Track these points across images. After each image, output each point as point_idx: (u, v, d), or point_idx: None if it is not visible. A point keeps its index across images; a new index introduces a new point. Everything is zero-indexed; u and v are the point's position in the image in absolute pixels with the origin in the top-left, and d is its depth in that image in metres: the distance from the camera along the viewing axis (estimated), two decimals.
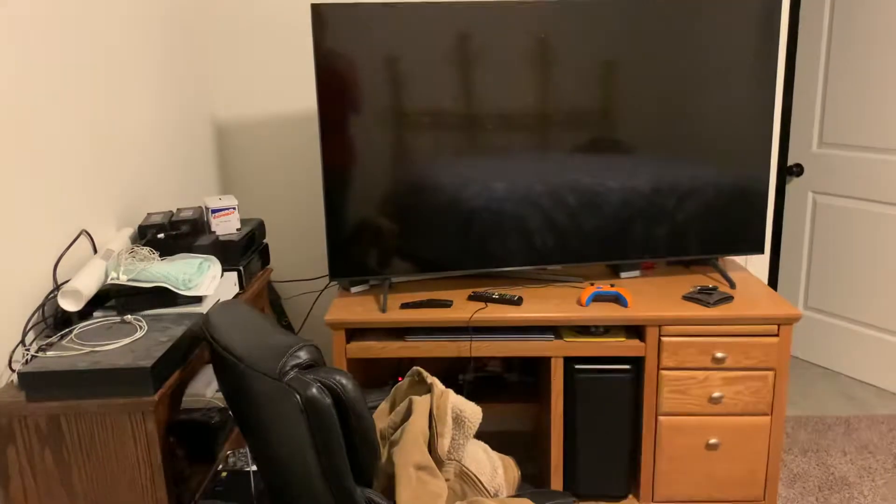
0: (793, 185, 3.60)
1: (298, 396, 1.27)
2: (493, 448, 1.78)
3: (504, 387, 2.81)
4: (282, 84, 2.81)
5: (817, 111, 3.45)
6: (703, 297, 2.31)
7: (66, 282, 1.74)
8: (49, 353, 1.56)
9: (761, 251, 2.52)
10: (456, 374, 2.85)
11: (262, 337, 1.43)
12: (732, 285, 2.44)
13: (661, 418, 2.31)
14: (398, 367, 2.83)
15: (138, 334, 1.65)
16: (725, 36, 2.36)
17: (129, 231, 2.07)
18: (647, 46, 2.34)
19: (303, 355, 1.32)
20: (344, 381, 1.30)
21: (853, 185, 3.33)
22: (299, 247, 2.97)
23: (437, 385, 1.61)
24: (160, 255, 1.95)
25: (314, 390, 1.27)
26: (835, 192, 3.42)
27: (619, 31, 2.32)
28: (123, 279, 1.77)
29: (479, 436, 2.97)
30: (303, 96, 2.82)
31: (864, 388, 3.37)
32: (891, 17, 3.08)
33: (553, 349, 2.29)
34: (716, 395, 2.28)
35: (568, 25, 2.30)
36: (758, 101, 2.42)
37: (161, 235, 2.01)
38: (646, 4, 2.31)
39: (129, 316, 1.76)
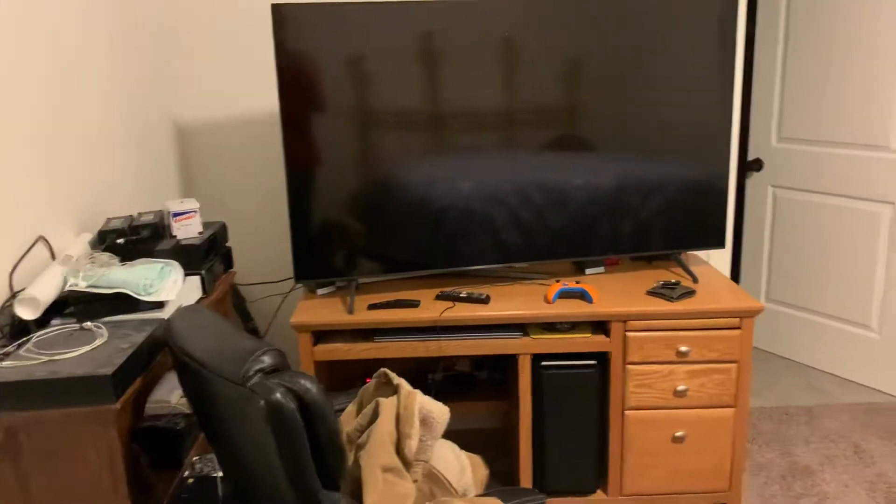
0: (753, 180, 3.67)
1: (262, 401, 1.26)
2: (463, 447, 1.78)
3: (473, 385, 2.82)
4: (243, 84, 2.78)
5: (775, 107, 3.51)
6: (666, 291, 2.34)
7: (23, 289, 1.71)
8: (5, 364, 1.53)
9: (722, 245, 2.56)
10: (425, 373, 2.85)
11: (225, 342, 1.41)
12: (695, 280, 2.48)
13: (627, 412, 2.34)
14: (366, 369, 2.82)
15: (98, 342, 1.62)
16: (686, 35, 2.39)
17: (89, 236, 2.03)
18: (610, 45, 2.36)
19: (267, 360, 1.31)
20: (308, 384, 1.29)
21: (811, 178, 3.40)
22: (265, 249, 2.94)
23: (404, 386, 1.60)
24: (120, 261, 1.92)
25: (278, 395, 1.26)
26: (794, 186, 3.48)
27: (582, 31, 2.34)
28: (83, 285, 1.74)
29: (448, 435, 2.98)
30: (265, 96, 2.79)
31: (825, 378, 3.44)
32: (845, 15, 3.15)
33: (520, 346, 2.30)
34: (681, 388, 2.31)
35: (532, 25, 2.31)
36: (717, 99, 2.45)
37: (121, 240, 1.98)
38: (608, 4, 2.33)
39: (88, 323, 1.73)
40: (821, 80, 3.29)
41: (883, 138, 3.10)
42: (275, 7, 2.18)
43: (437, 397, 2.72)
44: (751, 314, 2.27)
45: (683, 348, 2.28)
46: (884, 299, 3.21)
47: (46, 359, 1.54)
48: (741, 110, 3.88)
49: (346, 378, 2.81)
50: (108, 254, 1.87)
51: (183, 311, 1.60)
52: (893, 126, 3.06)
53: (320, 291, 2.48)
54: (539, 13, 2.31)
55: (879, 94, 3.08)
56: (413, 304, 2.34)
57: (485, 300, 2.35)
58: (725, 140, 2.49)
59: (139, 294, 1.75)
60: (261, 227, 2.92)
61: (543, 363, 2.34)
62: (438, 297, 2.39)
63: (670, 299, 2.31)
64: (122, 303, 1.76)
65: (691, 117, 2.45)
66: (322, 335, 2.36)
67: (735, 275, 4.00)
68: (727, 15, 2.39)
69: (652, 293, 2.37)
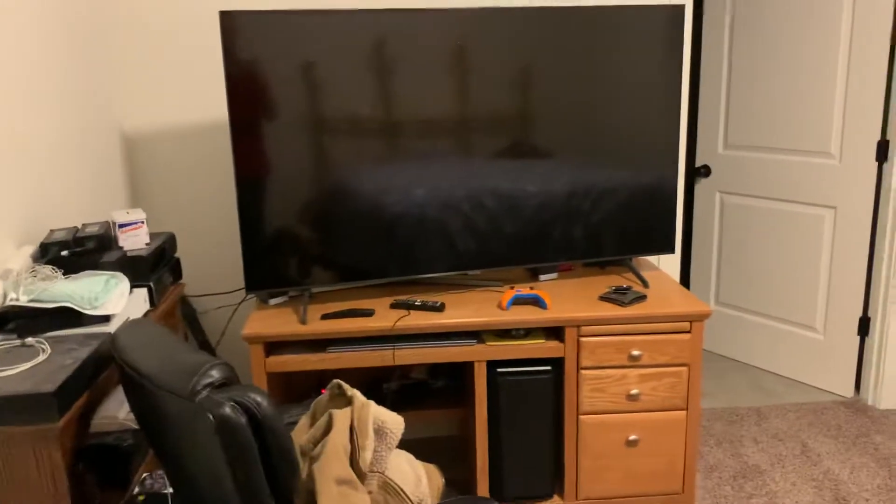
0: (701, 186, 3.74)
1: (211, 416, 1.24)
2: (420, 456, 1.77)
3: (429, 393, 2.81)
4: (192, 93, 2.73)
5: (722, 114, 3.59)
6: (618, 296, 2.37)
7: None
8: None
9: (672, 250, 2.61)
10: (380, 382, 2.84)
11: (173, 356, 1.38)
12: (646, 285, 2.52)
13: (582, 417, 2.36)
14: (321, 380, 2.79)
15: (40, 358, 1.57)
16: (634, 45, 2.43)
17: (31, 249, 1.97)
18: (561, 55, 2.39)
19: (215, 374, 1.29)
20: (258, 398, 1.27)
21: (757, 184, 3.49)
22: (215, 259, 2.89)
23: (358, 397, 1.59)
24: (64, 274, 1.87)
25: (227, 409, 1.24)
26: (740, 192, 3.57)
27: (533, 40, 2.36)
28: (23, 300, 1.69)
29: (406, 443, 2.96)
30: (213, 105, 2.75)
31: (773, 379, 3.52)
32: (787, 27, 3.25)
33: (475, 353, 2.31)
34: (633, 392, 2.34)
35: (484, 34, 2.32)
36: (665, 107, 2.50)
37: (65, 252, 1.92)
38: (558, 14, 2.36)
39: (30, 339, 1.67)
40: (764, 89, 3.38)
41: (824, 144, 3.20)
42: (223, 14, 2.15)
43: (393, 406, 2.72)
44: (700, 318, 2.31)
45: (635, 352, 2.31)
46: (828, 301, 3.30)
47: None
48: (689, 117, 3.96)
49: (300, 389, 2.78)
50: (50, 266, 1.82)
51: (129, 325, 1.56)
52: (834, 133, 3.16)
53: (272, 302, 2.45)
54: (491, 22, 2.32)
55: (820, 101, 3.18)
56: (367, 313, 2.32)
57: (439, 308, 2.34)
58: (673, 148, 2.54)
59: (84, 308, 1.70)
60: (212, 237, 2.87)
61: (499, 370, 2.35)
62: (393, 306, 2.38)
63: (622, 304, 2.34)
64: (66, 317, 1.71)
65: (640, 125, 2.50)
66: (275, 346, 2.33)
67: (685, 279, 4.08)
68: (674, 27, 2.44)
69: (604, 298, 2.39)
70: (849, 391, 3.30)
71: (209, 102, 2.74)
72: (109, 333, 1.72)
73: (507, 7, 2.32)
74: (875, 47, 2.96)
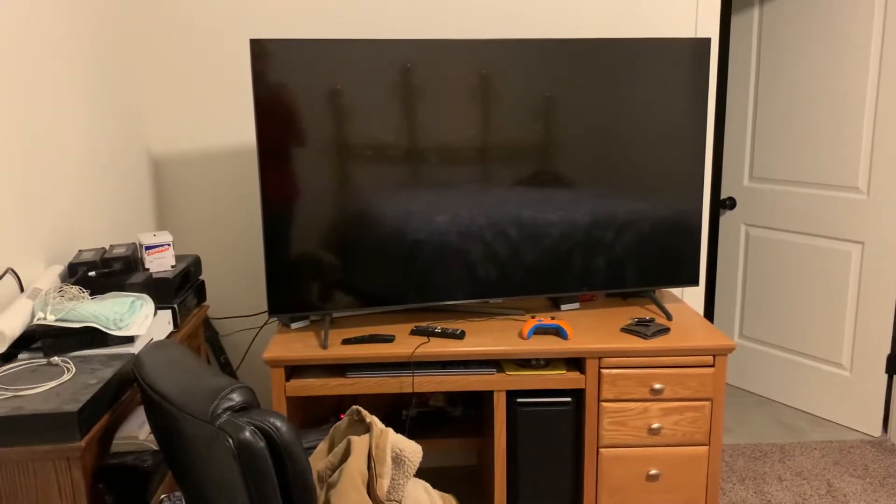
0: (726, 218, 3.72)
1: (231, 440, 1.24)
2: (437, 485, 1.76)
3: (448, 421, 2.80)
4: (220, 117, 2.78)
5: (748, 147, 3.58)
6: (640, 329, 2.35)
7: None
8: None
9: (696, 283, 2.59)
10: (400, 409, 2.83)
11: (195, 378, 1.39)
12: (669, 317, 2.50)
13: (602, 450, 2.33)
14: (340, 405, 2.79)
15: (65, 377, 1.59)
16: (659, 77, 2.44)
17: (59, 269, 2.00)
18: (586, 84, 2.40)
19: (236, 397, 1.29)
20: (278, 423, 1.28)
21: (782, 217, 3.46)
22: (239, 282, 2.92)
23: (377, 424, 1.59)
24: (91, 294, 1.90)
25: (247, 433, 1.24)
26: (765, 225, 3.54)
27: (558, 70, 2.38)
28: (51, 319, 1.71)
29: (423, 472, 2.95)
30: (241, 129, 2.79)
31: (798, 415, 3.46)
32: (813, 60, 3.24)
33: (495, 383, 2.30)
34: (655, 425, 2.31)
35: (508, 63, 2.34)
36: (690, 139, 2.50)
37: (92, 273, 1.95)
38: (583, 45, 2.37)
39: (55, 358, 1.69)
40: (791, 122, 3.36)
41: (852, 179, 3.17)
42: (254, 42, 2.19)
43: (411, 434, 2.71)
44: (723, 352, 2.28)
45: (657, 386, 2.29)
46: (854, 338, 3.25)
47: (11, 394, 1.51)
48: (715, 149, 3.95)
49: (319, 414, 2.78)
50: (77, 287, 1.84)
51: (152, 347, 1.58)
52: (861, 167, 3.13)
53: (294, 326, 2.46)
54: (515, 53, 2.34)
55: (847, 136, 3.16)
56: (388, 339, 2.33)
57: (459, 336, 2.34)
58: (698, 180, 2.53)
59: (109, 328, 1.73)
60: (236, 261, 2.90)
61: (518, 399, 2.33)
62: (413, 333, 2.38)
63: (644, 336, 2.32)
64: (91, 337, 1.73)
65: (665, 157, 2.49)
66: (295, 370, 2.34)
67: (710, 312, 4.04)
68: (700, 59, 2.45)
69: (626, 330, 2.38)
70: (876, 430, 3.23)
71: (236, 127, 2.79)
72: (133, 354, 1.74)
73: (531, 38, 2.35)
74: None
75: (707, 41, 2.44)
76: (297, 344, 2.31)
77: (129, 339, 1.78)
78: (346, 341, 2.31)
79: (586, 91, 2.41)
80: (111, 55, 2.49)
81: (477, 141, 2.37)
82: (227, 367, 2.91)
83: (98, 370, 1.63)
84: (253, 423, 1.27)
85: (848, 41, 3.11)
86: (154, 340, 1.82)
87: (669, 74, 2.44)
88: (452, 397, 2.85)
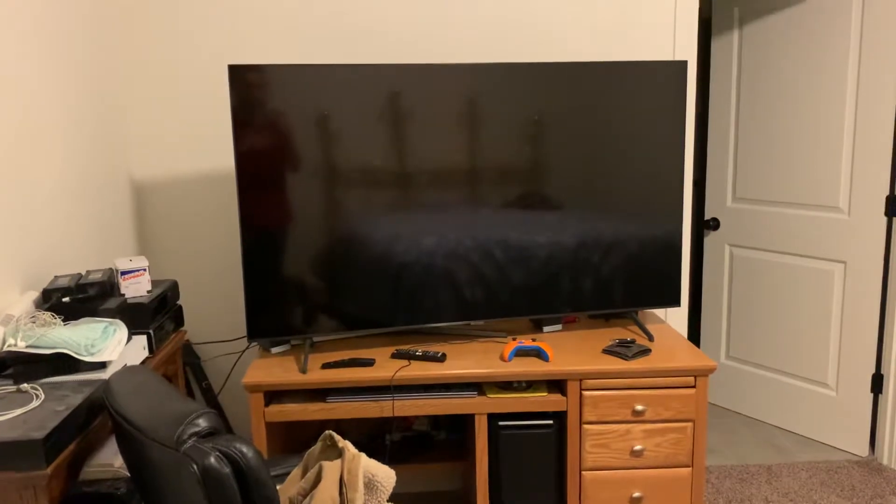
0: (710, 239, 3.73)
1: (195, 466, 1.23)
2: None
3: (432, 445, 2.78)
4: (200, 142, 2.78)
5: (730, 168, 3.60)
6: (621, 350, 2.34)
7: None
8: None
9: (678, 304, 2.59)
10: (383, 433, 2.81)
11: (162, 404, 1.38)
12: (650, 338, 2.49)
13: (584, 473, 2.31)
14: (323, 429, 2.76)
15: (34, 404, 1.57)
16: (640, 99, 2.45)
17: (34, 295, 1.99)
18: (570, 109, 2.42)
19: (202, 423, 1.28)
20: (244, 449, 1.26)
21: (765, 237, 3.47)
22: (221, 307, 2.90)
23: (349, 449, 1.57)
24: (65, 320, 1.88)
25: (212, 459, 1.23)
26: (749, 245, 3.55)
27: (542, 94, 2.39)
28: (21, 346, 1.70)
29: (406, 497, 2.91)
30: (222, 154, 2.79)
31: (785, 436, 3.44)
32: (794, 81, 3.27)
33: (476, 406, 2.28)
34: (637, 447, 2.29)
35: (494, 88, 2.36)
36: (670, 160, 2.51)
37: (66, 299, 1.94)
38: (567, 69, 2.39)
39: (25, 385, 1.67)
40: (772, 143, 3.39)
41: (832, 199, 3.19)
42: (232, 68, 2.20)
43: (393, 458, 2.68)
44: (704, 373, 2.27)
45: (639, 407, 2.27)
46: (840, 357, 3.24)
47: None
48: (698, 171, 3.98)
49: (302, 439, 2.75)
50: (49, 313, 1.83)
51: (122, 372, 1.57)
52: (843, 187, 3.15)
53: (275, 350, 2.44)
54: (501, 77, 2.36)
55: (828, 156, 3.18)
56: (368, 362, 2.31)
57: (440, 359, 2.33)
58: (679, 201, 2.53)
59: (80, 354, 1.71)
60: (218, 285, 2.89)
61: (500, 423, 2.32)
62: (394, 356, 2.37)
63: (625, 358, 2.31)
64: (63, 363, 1.72)
65: (647, 178, 2.50)
66: (275, 395, 2.32)
67: (696, 333, 4.04)
68: (678, 81, 2.47)
69: (607, 351, 2.37)
70: (863, 450, 3.21)
71: (218, 152, 2.79)
72: (104, 380, 1.72)
73: (516, 63, 2.36)
74: (882, 102, 2.97)
75: (684, 63, 2.47)
76: (277, 368, 2.29)
77: (102, 366, 1.76)
78: (326, 365, 2.30)
79: (571, 114, 2.42)
80: (93, 79, 2.50)
81: (463, 163, 2.38)
82: (209, 393, 2.89)
83: (68, 397, 1.61)
84: (218, 449, 1.25)
85: (826, 63, 3.14)
86: (126, 366, 1.81)
87: (649, 96, 2.46)
88: (437, 421, 2.82)
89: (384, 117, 2.31)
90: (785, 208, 3.38)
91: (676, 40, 2.83)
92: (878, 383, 3.15)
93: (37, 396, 1.61)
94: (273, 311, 2.34)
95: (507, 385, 2.33)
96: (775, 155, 3.38)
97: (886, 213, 3.02)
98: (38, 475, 1.41)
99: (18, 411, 1.53)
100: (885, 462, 3.15)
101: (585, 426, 2.29)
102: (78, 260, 2.33)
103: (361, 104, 2.29)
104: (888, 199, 3.01)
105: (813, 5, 3.16)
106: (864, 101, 3.03)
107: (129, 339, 1.90)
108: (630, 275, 2.54)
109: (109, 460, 1.74)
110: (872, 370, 3.14)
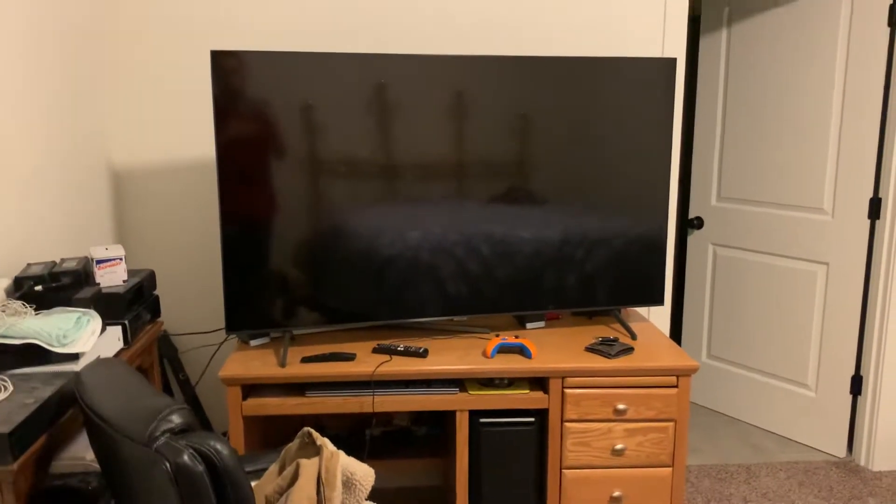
0: (694, 238, 3.72)
1: (168, 464, 1.19)
2: None
3: (412, 441, 2.75)
4: (182, 129, 2.73)
5: (715, 166, 3.59)
6: (604, 348, 2.32)
7: None
8: None
9: (661, 302, 2.57)
10: (363, 429, 2.78)
11: (135, 399, 1.34)
12: (633, 337, 2.47)
13: (565, 471, 2.29)
14: (302, 424, 2.73)
15: (1, 396, 1.52)
16: (628, 96, 2.43)
17: (5, 282, 1.93)
18: (556, 103, 2.39)
19: (175, 419, 1.24)
20: (219, 446, 1.22)
21: (748, 237, 3.47)
22: (200, 298, 2.85)
23: (327, 446, 1.54)
24: (36, 310, 1.83)
25: (185, 457, 1.19)
26: (732, 245, 3.54)
27: (529, 88, 2.36)
28: None
29: (385, 493, 2.89)
30: (203, 142, 2.74)
31: (764, 436, 3.45)
32: (780, 82, 3.26)
33: (457, 402, 2.25)
34: (618, 446, 2.28)
35: (481, 81, 2.32)
36: (656, 158, 2.49)
37: (39, 287, 1.88)
38: (554, 64, 2.36)
39: None
40: (758, 143, 3.38)
41: (817, 200, 3.19)
42: (214, 54, 2.15)
43: (373, 454, 2.65)
44: (687, 373, 2.26)
45: (621, 406, 2.26)
46: (820, 358, 3.25)
47: None
48: (683, 169, 3.97)
49: (282, 434, 2.71)
50: (21, 302, 1.78)
51: (94, 365, 1.52)
52: (827, 188, 3.15)
53: (254, 343, 2.40)
54: (489, 70, 2.32)
55: (813, 157, 3.18)
56: (348, 357, 2.28)
57: (422, 354, 2.30)
58: (664, 199, 2.52)
59: (51, 345, 1.66)
60: (198, 275, 2.84)
61: (481, 420, 2.29)
62: (375, 351, 2.34)
63: (608, 356, 2.29)
64: (33, 354, 1.67)
65: (633, 175, 2.48)
66: (253, 389, 2.28)
67: (677, 331, 4.04)
68: (666, 79, 2.45)
69: (590, 349, 2.35)
70: (841, 451, 3.23)
71: (199, 140, 2.74)
72: (75, 372, 1.67)
73: (505, 56, 2.33)
74: (868, 105, 2.97)
75: (673, 61, 2.45)
76: (255, 362, 2.25)
77: (74, 357, 1.71)
78: (306, 359, 2.26)
79: (558, 109, 2.39)
80: (72, 65, 2.43)
81: (449, 157, 2.35)
82: (186, 385, 2.84)
83: (37, 389, 1.56)
84: (192, 447, 1.22)
85: (813, 64, 3.13)
86: (99, 358, 1.76)
87: (637, 93, 2.44)
88: (417, 416, 2.80)
89: (370, 108, 2.27)
90: (769, 208, 3.38)
91: (666, 38, 2.81)
92: (857, 385, 3.16)
93: (5, 388, 1.56)
94: (253, 303, 2.30)
95: (488, 382, 2.31)
96: (761, 155, 3.38)
97: (870, 216, 3.03)
98: (3, 470, 1.37)
99: None
100: (862, 463, 3.16)
101: (567, 424, 2.27)
102: (53, 248, 2.27)
103: (347, 94, 2.25)
104: (871, 201, 3.02)
105: (802, 6, 3.15)
106: (850, 103, 3.03)
107: (103, 329, 1.85)
108: (614, 272, 2.52)
109: (81, 453, 1.70)
110: (852, 372, 3.15)
